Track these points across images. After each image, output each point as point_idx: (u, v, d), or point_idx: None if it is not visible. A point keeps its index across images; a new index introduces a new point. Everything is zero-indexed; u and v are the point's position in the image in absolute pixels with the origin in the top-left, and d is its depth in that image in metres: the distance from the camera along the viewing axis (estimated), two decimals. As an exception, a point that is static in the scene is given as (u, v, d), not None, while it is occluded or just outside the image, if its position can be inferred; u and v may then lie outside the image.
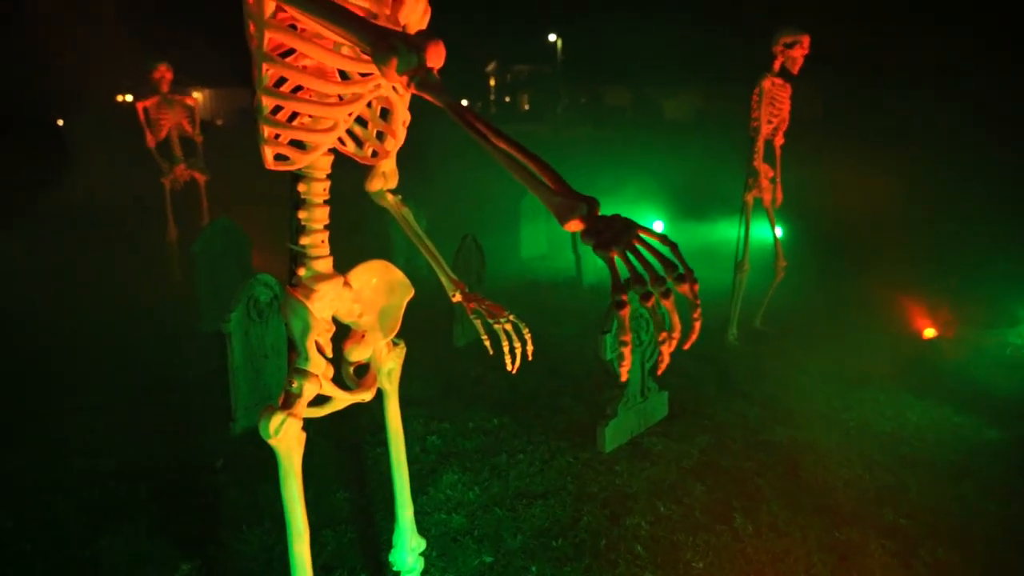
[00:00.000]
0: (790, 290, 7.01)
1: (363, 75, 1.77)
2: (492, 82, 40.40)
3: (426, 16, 2.07)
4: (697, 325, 1.42)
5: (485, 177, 10.84)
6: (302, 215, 1.99)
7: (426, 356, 5.83)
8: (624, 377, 1.43)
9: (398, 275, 2.27)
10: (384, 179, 2.28)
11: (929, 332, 6.42)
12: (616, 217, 1.34)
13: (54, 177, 13.35)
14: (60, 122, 19.25)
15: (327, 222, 2.05)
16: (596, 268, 8.46)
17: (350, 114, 1.87)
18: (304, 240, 2.01)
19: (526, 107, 36.46)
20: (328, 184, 2.03)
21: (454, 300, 2.42)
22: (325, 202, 2.03)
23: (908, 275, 7.49)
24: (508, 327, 2.22)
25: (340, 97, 1.83)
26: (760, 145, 6.26)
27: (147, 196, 8.58)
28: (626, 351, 1.38)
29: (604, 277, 7.31)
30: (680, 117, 23.98)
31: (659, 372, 1.42)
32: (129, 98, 7.89)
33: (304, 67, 1.80)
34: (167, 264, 8.25)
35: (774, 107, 6.24)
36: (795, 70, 6.10)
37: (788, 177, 6.56)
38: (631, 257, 1.29)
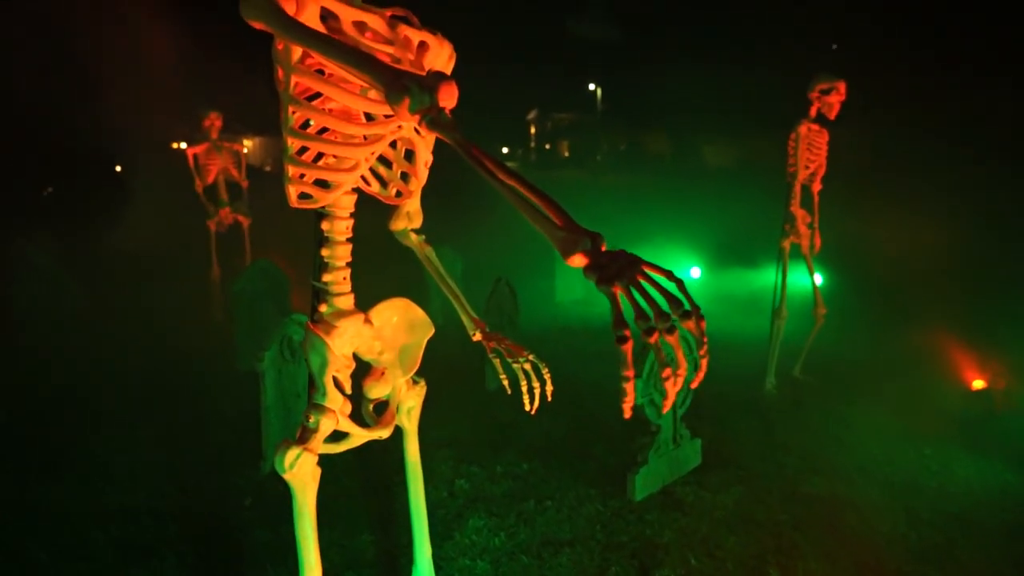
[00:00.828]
0: (830, 338, 6.84)
1: (387, 116, 1.83)
2: (533, 130, 41.04)
3: (451, 62, 2.13)
4: (704, 363, 1.40)
5: (522, 220, 10.92)
6: (325, 252, 2.04)
7: (457, 398, 5.83)
8: (627, 414, 1.40)
9: (419, 313, 2.29)
10: (408, 219, 2.33)
11: (978, 383, 6.16)
12: (621, 252, 1.33)
13: (110, 219, 13.92)
14: (118, 168, 20.17)
15: (349, 259, 2.09)
16: (629, 312, 8.37)
17: (372, 154, 1.92)
18: (326, 277, 2.05)
19: (566, 154, 36.87)
20: (351, 223, 2.07)
21: (474, 339, 2.43)
22: (348, 240, 2.08)
23: (955, 324, 7.24)
24: (528, 367, 2.20)
25: (363, 137, 1.89)
26: (797, 190, 6.21)
27: (194, 238, 8.86)
28: (628, 387, 1.35)
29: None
30: (720, 164, 23.94)
31: (663, 410, 1.40)
32: (183, 145, 8.25)
33: (329, 110, 1.86)
34: (210, 304, 8.46)
35: (811, 152, 6.20)
36: (832, 116, 6.08)
37: (829, 223, 6.48)
38: (635, 292, 1.28)
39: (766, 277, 8.73)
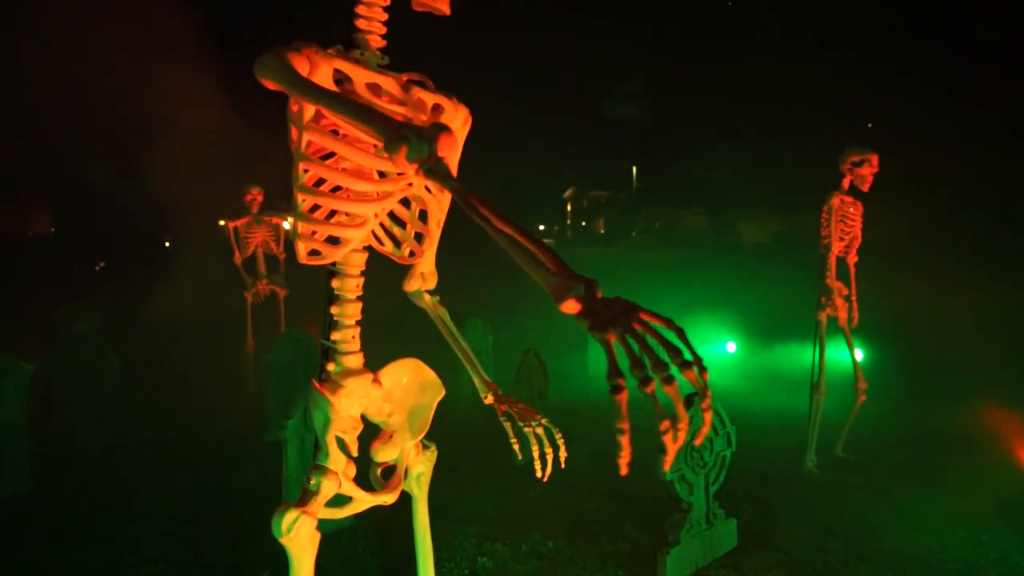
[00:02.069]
0: (873, 415, 6.56)
1: (398, 174, 1.85)
2: (569, 207, 41.59)
3: (466, 125, 2.16)
4: (707, 416, 1.31)
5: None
6: (334, 310, 2.03)
7: (483, 472, 5.69)
8: (623, 471, 1.32)
9: (430, 375, 2.24)
10: (422, 280, 2.32)
11: (1036, 465, 5.80)
12: (617, 299, 1.29)
13: (155, 291, 14.36)
14: (167, 244, 20.94)
15: (359, 318, 2.07)
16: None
17: (381, 210, 1.93)
18: (335, 335, 2.03)
19: (602, 231, 37.13)
20: (361, 281, 2.06)
21: (486, 402, 2.36)
22: (358, 298, 2.06)
23: (1005, 399, 6.89)
24: (540, 431, 2.12)
25: (374, 195, 1.91)
26: (832, 262, 6.10)
27: (232, 309, 9.04)
28: (624, 440, 1.27)
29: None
30: (757, 239, 23.79)
31: (665, 468, 1.31)
32: (235, 226, 8.57)
33: (343, 168, 1.89)
34: (243, 374, 8.53)
35: (845, 224, 6.12)
36: (865, 188, 6.03)
37: (868, 296, 6.31)
38: (630, 340, 1.22)
39: (804, 352, 8.50)
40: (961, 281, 10.82)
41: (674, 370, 1.22)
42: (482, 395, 2.38)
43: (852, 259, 6.19)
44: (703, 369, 1.28)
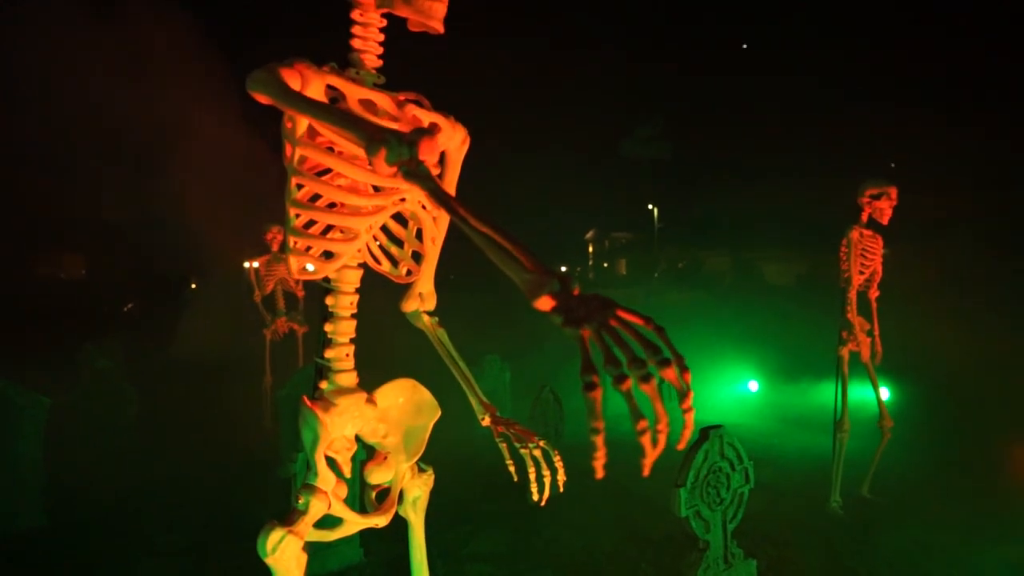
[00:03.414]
0: (900, 455, 6.34)
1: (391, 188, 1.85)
2: (591, 248, 41.68)
3: (464, 145, 2.17)
4: (688, 418, 1.26)
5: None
6: (328, 328, 2.01)
7: (497, 510, 5.57)
8: (599, 474, 1.26)
9: (426, 395, 2.20)
10: (421, 300, 2.30)
11: (1076, 508, 5.53)
12: (594, 296, 1.25)
13: (177, 329, 14.56)
14: (193, 285, 21.28)
15: (353, 336, 2.05)
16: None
17: (372, 225, 1.93)
18: (329, 353, 2.02)
19: (624, 272, 37.07)
20: (355, 299, 2.05)
21: (483, 423, 2.31)
22: (352, 316, 2.05)
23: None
24: (538, 454, 2.07)
25: (367, 208, 1.91)
26: (852, 296, 5.99)
27: (252, 346, 9.10)
28: (598, 440, 1.22)
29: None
30: (781, 281, 23.55)
31: (644, 473, 1.25)
32: (255, 264, 8.72)
33: (333, 183, 1.90)
34: (261, 410, 8.54)
35: (865, 258, 6.02)
36: (884, 221, 5.94)
37: (896, 334, 6.17)
38: (606, 337, 1.18)
39: (828, 390, 8.30)
40: (989, 318, 10.57)
41: (653, 369, 1.17)
42: (479, 417, 2.33)
43: (873, 294, 6.08)
44: (684, 368, 1.23)
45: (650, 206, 35.17)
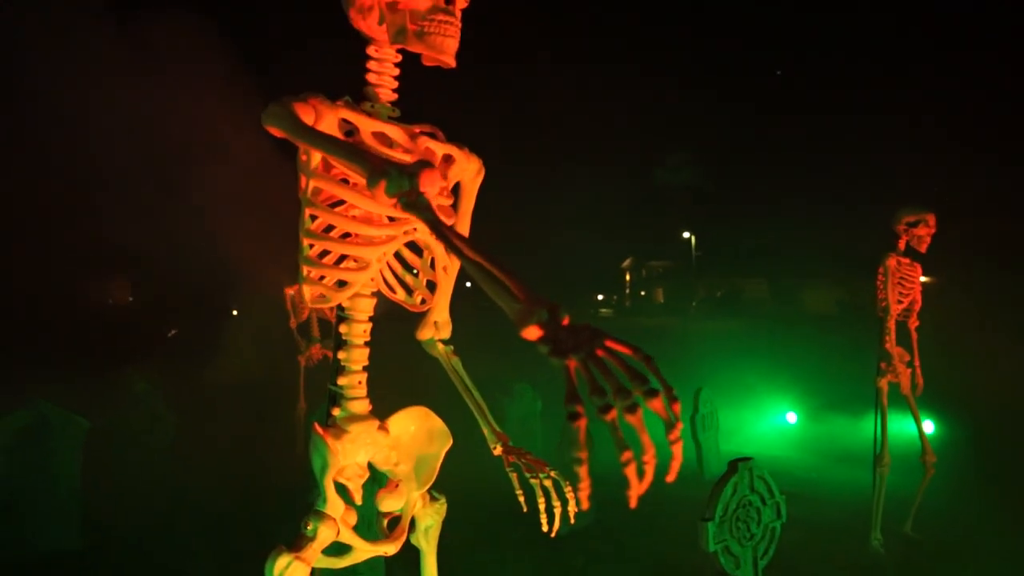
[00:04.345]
0: (945, 491, 6.09)
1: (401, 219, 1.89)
2: (628, 277, 41.45)
3: (479, 176, 2.21)
4: (676, 449, 1.24)
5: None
6: (342, 355, 2.04)
7: (525, 540, 5.51)
8: (585, 504, 1.24)
9: (438, 423, 2.21)
10: (435, 329, 2.32)
11: None
12: (584, 326, 1.24)
13: (218, 355, 14.85)
14: (234, 311, 21.73)
15: (366, 363, 2.08)
16: (719, 459, 7.85)
17: (384, 254, 1.97)
18: (341, 380, 2.04)
19: (661, 300, 36.75)
20: (369, 327, 2.08)
21: (495, 453, 2.31)
22: (366, 343, 2.08)
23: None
24: (548, 483, 2.05)
25: (380, 238, 1.95)
26: (891, 325, 5.83)
27: (287, 372, 9.23)
28: (582, 471, 1.21)
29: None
30: (822, 310, 23.07)
31: (631, 504, 1.22)
32: (292, 291, 8.91)
33: (347, 214, 1.95)
34: (295, 437, 8.62)
35: (903, 287, 5.88)
36: (922, 248, 5.81)
37: (940, 365, 5.99)
38: (592, 367, 1.17)
39: (868, 423, 8.07)
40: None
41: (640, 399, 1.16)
42: (491, 445, 2.33)
43: (913, 323, 5.91)
44: (673, 399, 1.21)
45: (687, 234, 34.93)
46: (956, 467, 6.52)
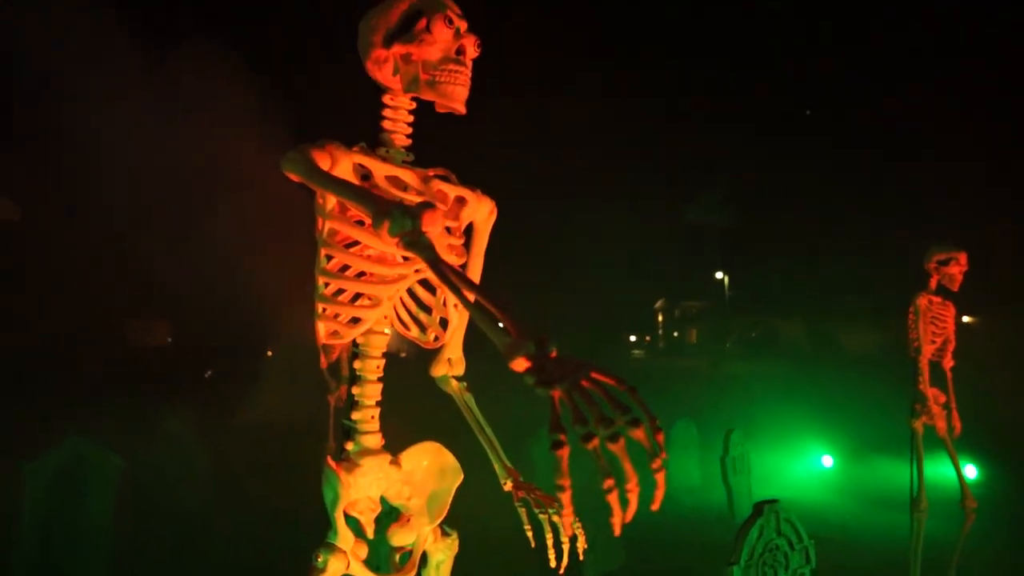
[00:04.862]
0: (987, 539, 5.86)
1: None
2: (660, 318, 41.14)
3: (492, 216, 2.29)
4: (660, 478, 1.25)
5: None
6: (355, 391, 2.11)
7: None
8: (568, 531, 1.26)
9: (449, 458, 2.25)
10: (449, 365, 2.38)
11: None
12: (570, 358, 1.28)
13: (254, 396, 15.08)
14: (270, 352, 22.08)
15: (379, 399, 2.14)
16: (752, 502, 7.67)
17: (395, 292, 2.05)
18: (355, 415, 2.11)
19: (694, 341, 36.34)
20: (382, 363, 2.16)
21: (505, 488, 2.33)
22: (379, 379, 2.14)
23: None
24: (557, 519, 2.06)
25: (393, 276, 2.03)
26: (924, 366, 5.71)
27: (318, 411, 9.32)
28: (565, 498, 1.23)
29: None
30: (860, 351, 22.57)
31: (616, 533, 1.24)
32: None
33: (362, 254, 2.03)
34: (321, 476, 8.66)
35: (936, 326, 5.77)
36: (955, 287, 5.71)
37: (981, 407, 5.83)
38: (576, 397, 1.20)
39: (907, 468, 7.83)
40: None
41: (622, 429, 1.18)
42: (501, 481, 2.35)
43: (948, 363, 5.78)
44: (657, 429, 1.24)
45: (720, 274, 34.67)
46: (999, 513, 6.28)
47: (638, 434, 1.20)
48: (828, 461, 9.58)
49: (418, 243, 1.57)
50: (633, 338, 37.09)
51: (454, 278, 1.46)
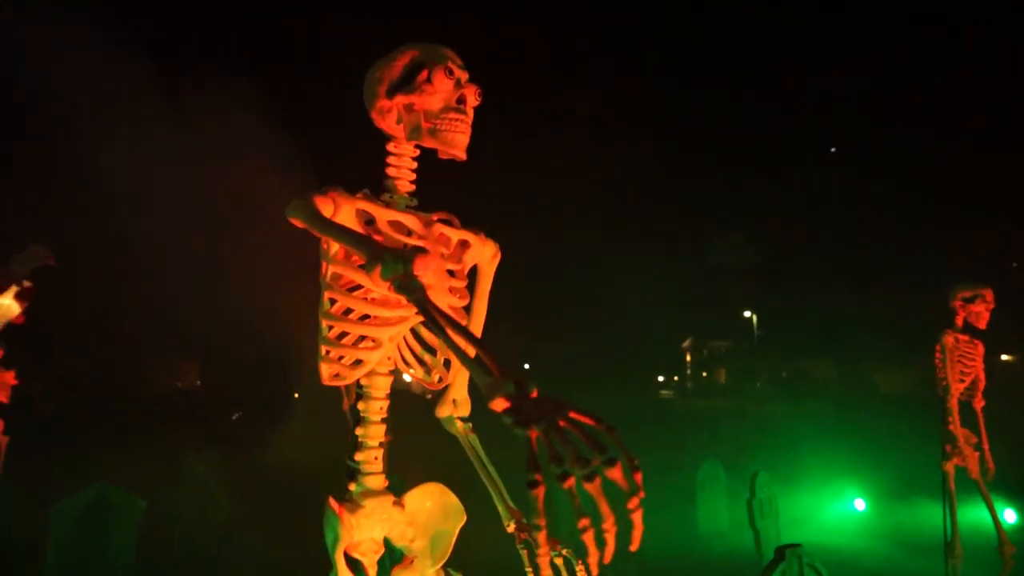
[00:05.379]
0: (1029, 586, 5.62)
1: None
2: (688, 358, 40.67)
3: (495, 259, 2.33)
4: (636, 518, 1.25)
5: (662, 442, 10.48)
6: (359, 431, 2.14)
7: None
8: (545, 572, 1.26)
9: (452, 500, 2.26)
10: (454, 406, 2.40)
11: None
12: (548, 397, 1.29)
13: (279, 438, 15.14)
14: (296, 394, 22.24)
15: (383, 439, 2.16)
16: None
17: (396, 334, 2.09)
18: (358, 456, 2.13)
19: (723, 381, 35.81)
20: (386, 403, 2.18)
21: (508, 530, 2.32)
22: (383, 420, 2.17)
23: None
24: (559, 561, 2.05)
25: (393, 319, 2.07)
26: (953, 405, 5.59)
27: (335, 456, 9.34)
28: (540, 537, 1.23)
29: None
30: (893, 391, 22.03)
31: (593, 573, 1.23)
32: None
33: (365, 297, 2.08)
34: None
35: (964, 365, 5.66)
36: (981, 325, 5.62)
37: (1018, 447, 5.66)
38: (553, 437, 1.21)
39: (940, 511, 7.59)
40: None
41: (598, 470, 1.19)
42: (505, 522, 2.34)
43: (978, 403, 5.66)
44: (635, 469, 1.24)
45: (748, 313, 34.29)
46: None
47: (615, 474, 1.20)
48: (861, 504, 9.30)
49: (408, 287, 1.61)
50: (661, 379, 36.67)
51: (440, 319, 1.49)
